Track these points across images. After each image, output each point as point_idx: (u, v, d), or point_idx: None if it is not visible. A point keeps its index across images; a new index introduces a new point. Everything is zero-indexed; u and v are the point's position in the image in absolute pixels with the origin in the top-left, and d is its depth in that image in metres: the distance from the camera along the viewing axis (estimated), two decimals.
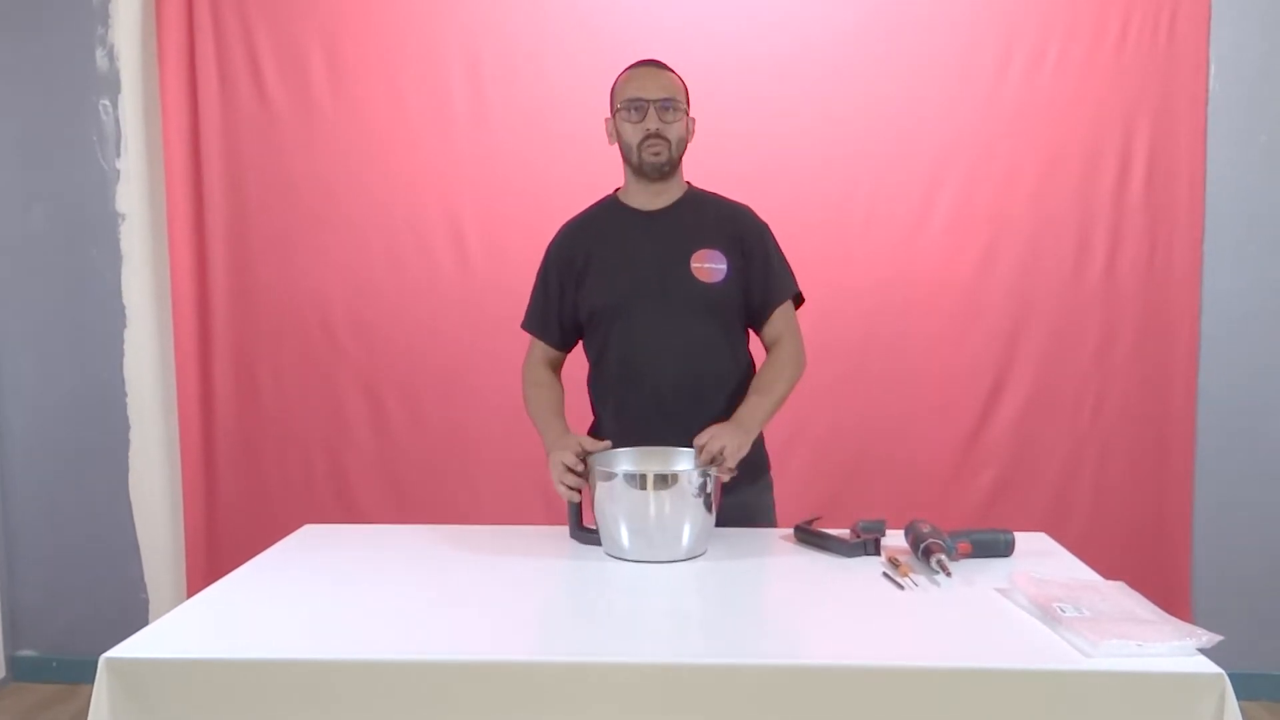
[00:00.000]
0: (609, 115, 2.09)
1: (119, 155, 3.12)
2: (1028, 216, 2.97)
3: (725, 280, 2.05)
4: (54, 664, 3.27)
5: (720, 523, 1.89)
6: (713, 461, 1.85)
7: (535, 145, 3.01)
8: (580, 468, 1.89)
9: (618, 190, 2.17)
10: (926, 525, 1.80)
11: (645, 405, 2.05)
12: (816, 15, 2.95)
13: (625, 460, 1.91)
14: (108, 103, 3.11)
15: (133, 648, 1.42)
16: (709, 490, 1.81)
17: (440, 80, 3.01)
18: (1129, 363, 3.00)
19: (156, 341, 3.17)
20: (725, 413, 2.02)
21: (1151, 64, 2.92)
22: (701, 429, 1.95)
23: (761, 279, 2.10)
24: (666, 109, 2.00)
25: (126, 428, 3.20)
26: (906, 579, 1.66)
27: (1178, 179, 2.95)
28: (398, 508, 3.08)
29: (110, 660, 1.38)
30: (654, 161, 2.03)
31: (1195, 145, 2.94)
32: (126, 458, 3.21)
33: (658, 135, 2.01)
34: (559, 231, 2.19)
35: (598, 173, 2.97)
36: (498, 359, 3.03)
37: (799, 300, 2.16)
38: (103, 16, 3.07)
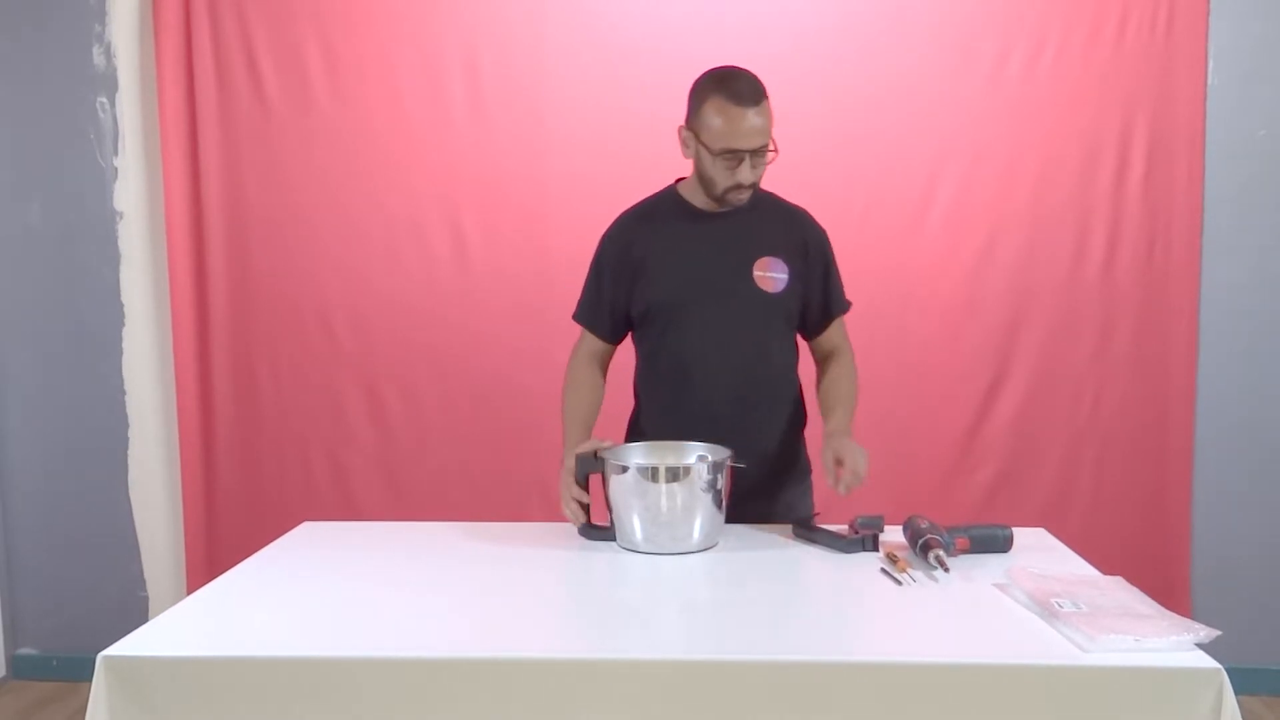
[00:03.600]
0: (683, 125, 1.97)
1: (117, 153, 3.12)
2: (1026, 211, 2.97)
3: (785, 289, 2.02)
4: (54, 662, 3.27)
5: (763, 521, 1.95)
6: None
7: (533, 142, 3.00)
8: (586, 499, 1.89)
9: (679, 182, 2.09)
10: (925, 521, 1.80)
11: (695, 408, 2.02)
12: (814, 9, 2.94)
13: (638, 454, 1.93)
14: (105, 101, 3.10)
15: (131, 646, 1.41)
16: (719, 484, 1.83)
17: (438, 76, 3.00)
18: (1128, 357, 3.00)
19: (155, 339, 3.17)
20: (773, 420, 2.05)
21: (1150, 58, 2.91)
22: (748, 435, 1.96)
23: (821, 290, 2.08)
24: (760, 154, 1.91)
25: (125, 426, 3.20)
26: (904, 574, 1.66)
27: (1176, 173, 2.94)
28: (396, 503, 3.08)
29: (108, 658, 1.38)
30: (738, 204, 1.97)
31: (1194, 139, 2.94)
32: (126, 456, 3.21)
33: (749, 185, 1.94)
34: (615, 222, 2.12)
35: (597, 169, 2.99)
36: (496, 355, 3.04)
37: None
38: (100, 14, 3.07)
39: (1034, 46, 2.93)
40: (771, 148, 1.93)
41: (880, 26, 2.94)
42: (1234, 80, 2.94)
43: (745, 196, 1.96)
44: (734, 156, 1.89)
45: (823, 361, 2.14)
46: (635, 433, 2.15)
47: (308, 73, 3.01)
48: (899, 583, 1.65)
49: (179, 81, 3.01)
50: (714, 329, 2.01)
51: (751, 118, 1.87)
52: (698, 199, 2.04)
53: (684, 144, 1.98)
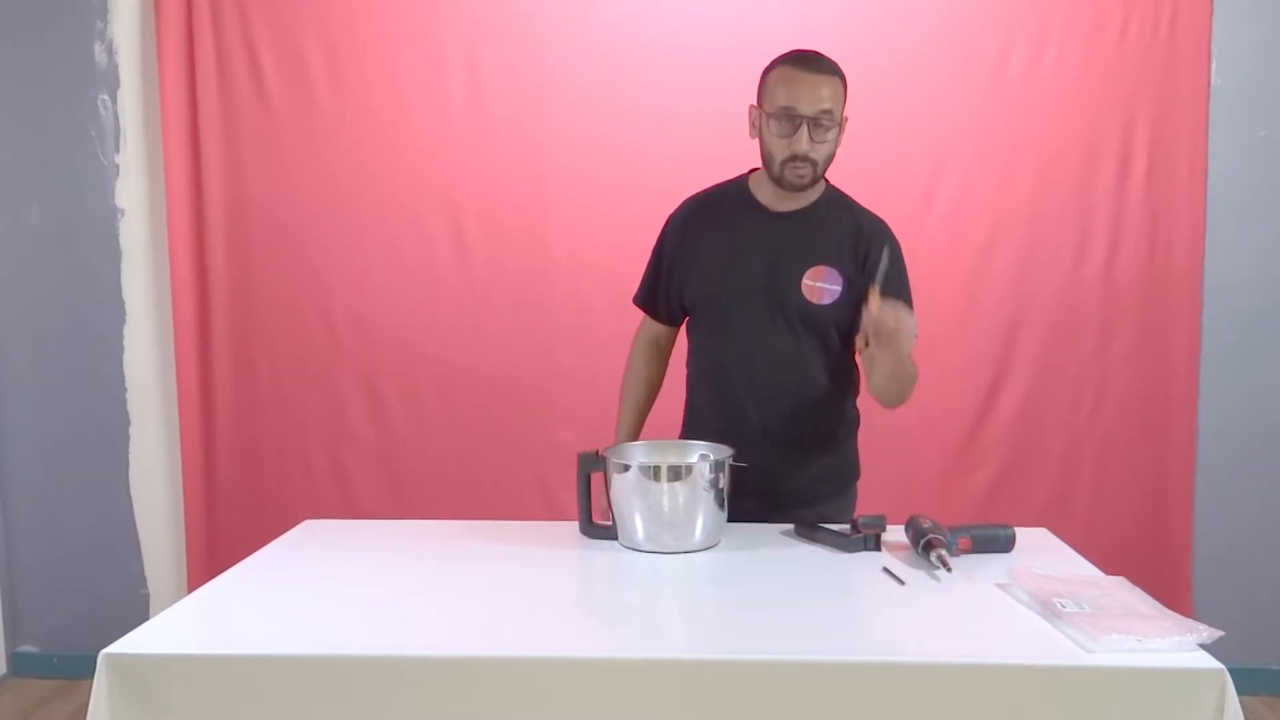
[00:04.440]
0: (754, 104, 1.91)
1: (118, 150, 3.12)
2: (1028, 211, 2.97)
3: (835, 302, 1.94)
4: (54, 660, 3.27)
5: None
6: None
7: (534, 139, 3.00)
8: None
9: (752, 173, 2.03)
10: (927, 520, 1.79)
11: (729, 412, 2.00)
12: (814, 8, 2.94)
13: (639, 453, 1.93)
14: (107, 98, 3.10)
15: (132, 643, 1.41)
16: (721, 483, 1.82)
17: (439, 73, 3.00)
18: (1130, 357, 3.00)
19: (156, 337, 3.17)
20: (811, 433, 2.01)
21: (1152, 57, 2.91)
22: (784, 448, 1.96)
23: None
24: (820, 125, 1.83)
25: (127, 423, 3.20)
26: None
27: (1178, 173, 2.94)
28: (396, 501, 3.09)
29: (109, 656, 1.37)
30: (796, 183, 1.89)
31: (1196, 139, 2.94)
32: (127, 453, 3.21)
33: (805, 158, 1.85)
34: (680, 207, 2.08)
35: (598, 166, 2.99)
36: (497, 353, 3.04)
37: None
38: (102, 11, 3.06)
39: (1035, 46, 2.92)
40: (838, 122, 1.86)
41: (880, 26, 2.94)
42: (1236, 80, 2.94)
43: (805, 174, 1.87)
44: (790, 121, 1.82)
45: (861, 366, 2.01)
46: (687, 418, 2.14)
47: (309, 69, 3.01)
48: (901, 582, 1.65)
49: (180, 78, 3.01)
50: (754, 334, 1.97)
51: (810, 82, 1.82)
52: (764, 192, 1.98)
53: (752, 124, 1.93)
